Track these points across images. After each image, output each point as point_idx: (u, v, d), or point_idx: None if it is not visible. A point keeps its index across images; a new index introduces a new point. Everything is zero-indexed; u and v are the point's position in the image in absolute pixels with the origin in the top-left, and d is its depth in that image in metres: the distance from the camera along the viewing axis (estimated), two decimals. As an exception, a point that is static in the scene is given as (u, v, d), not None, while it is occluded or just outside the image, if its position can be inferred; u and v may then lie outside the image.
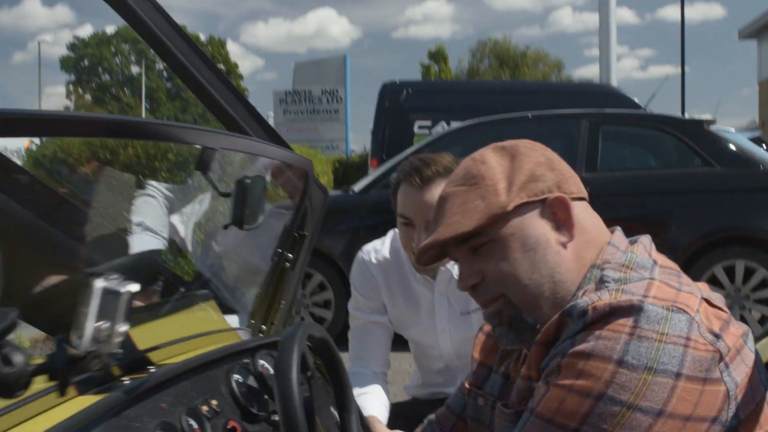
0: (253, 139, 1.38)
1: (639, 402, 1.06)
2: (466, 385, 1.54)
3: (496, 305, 1.30)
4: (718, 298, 1.22)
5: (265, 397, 1.53)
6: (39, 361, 0.90)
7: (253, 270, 1.99)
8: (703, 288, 1.23)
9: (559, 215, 1.27)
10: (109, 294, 0.94)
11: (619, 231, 1.34)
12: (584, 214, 1.31)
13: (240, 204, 1.25)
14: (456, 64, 41.42)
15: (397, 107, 11.07)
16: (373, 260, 2.56)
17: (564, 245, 1.27)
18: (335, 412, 1.67)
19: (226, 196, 1.27)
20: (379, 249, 2.58)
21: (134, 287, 0.96)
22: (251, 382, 1.52)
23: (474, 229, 1.26)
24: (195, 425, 1.28)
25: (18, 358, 0.82)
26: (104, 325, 0.93)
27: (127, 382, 1.21)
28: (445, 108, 10.85)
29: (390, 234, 2.62)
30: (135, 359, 1.29)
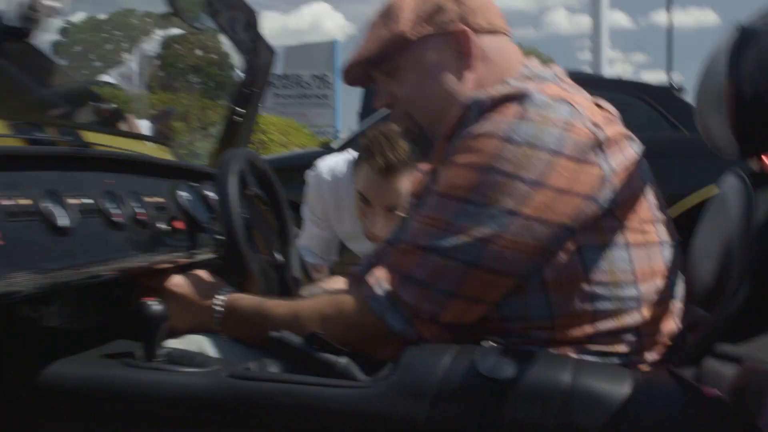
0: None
1: (519, 173, 1.18)
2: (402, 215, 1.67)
3: (405, 123, 1.46)
4: (610, 107, 1.36)
5: (210, 215, 1.67)
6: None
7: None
8: (605, 103, 1.36)
9: (460, 47, 1.38)
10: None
11: (535, 59, 1.45)
12: (494, 47, 1.40)
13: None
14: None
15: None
16: (327, 179, 2.67)
17: (464, 74, 1.38)
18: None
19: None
20: (335, 169, 2.66)
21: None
22: (196, 199, 1.65)
23: (377, 55, 1.41)
24: (139, 207, 1.42)
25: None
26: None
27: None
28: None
29: (348, 155, 2.72)
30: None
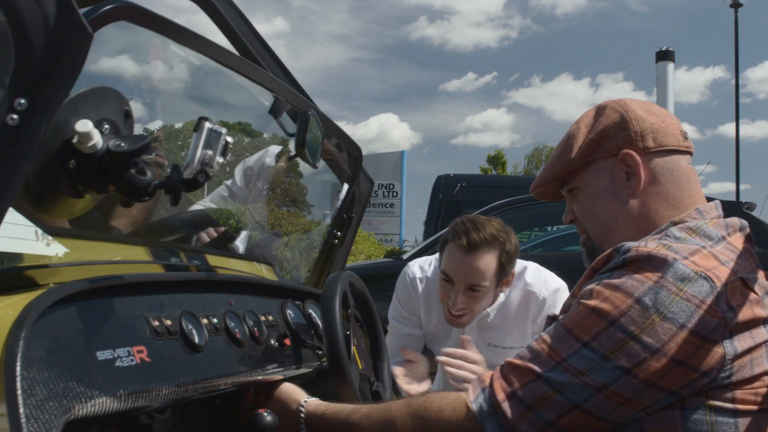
0: (313, 104, 1.70)
1: (641, 336, 1.24)
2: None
3: (583, 237, 1.59)
4: (758, 282, 1.35)
5: (312, 332, 1.81)
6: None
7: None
8: (761, 277, 1.38)
9: (629, 169, 1.47)
10: (213, 133, 1.26)
11: (716, 202, 1.50)
12: (665, 168, 1.47)
13: (302, 132, 1.55)
14: (512, 170, 42.06)
15: (450, 199, 11.35)
16: (418, 276, 2.81)
17: (629, 196, 1.47)
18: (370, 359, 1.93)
19: (292, 136, 1.58)
20: (425, 267, 2.81)
21: (229, 136, 1.28)
22: (300, 318, 1.80)
23: (553, 180, 1.57)
24: (255, 326, 1.57)
25: (148, 172, 1.14)
26: (208, 153, 1.24)
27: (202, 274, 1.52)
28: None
29: (437, 255, 2.86)
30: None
